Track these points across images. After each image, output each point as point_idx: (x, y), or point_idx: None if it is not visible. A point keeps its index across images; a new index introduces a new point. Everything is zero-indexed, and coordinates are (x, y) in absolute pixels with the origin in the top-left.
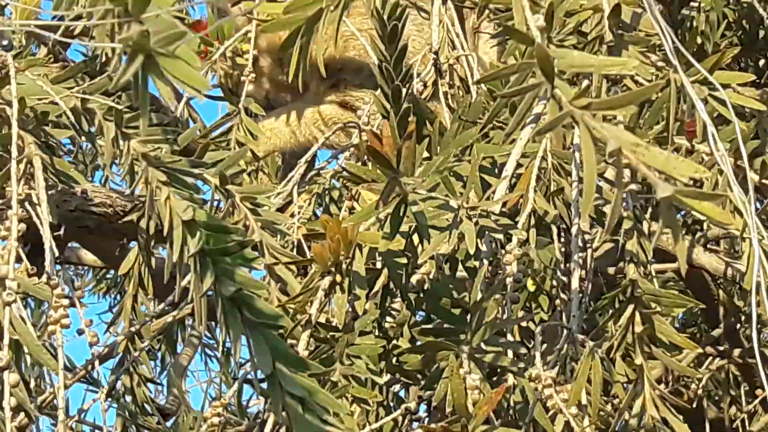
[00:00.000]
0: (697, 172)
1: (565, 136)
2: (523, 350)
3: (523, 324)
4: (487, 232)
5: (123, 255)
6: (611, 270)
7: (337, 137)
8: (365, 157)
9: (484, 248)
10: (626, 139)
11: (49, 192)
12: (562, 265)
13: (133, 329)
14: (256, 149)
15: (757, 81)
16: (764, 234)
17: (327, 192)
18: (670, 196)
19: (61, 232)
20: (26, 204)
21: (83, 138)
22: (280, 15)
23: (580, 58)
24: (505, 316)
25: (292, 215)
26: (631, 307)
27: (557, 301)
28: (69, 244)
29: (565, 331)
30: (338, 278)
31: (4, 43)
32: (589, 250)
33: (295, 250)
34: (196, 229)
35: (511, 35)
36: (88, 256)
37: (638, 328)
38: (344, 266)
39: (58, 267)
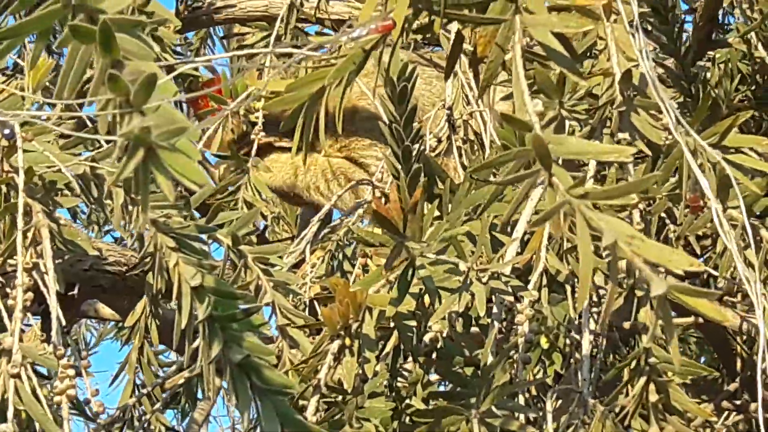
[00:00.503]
0: (693, 266)
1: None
2: (533, 414)
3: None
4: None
5: (132, 307)
6: (626, 324)
7: (342, 200)
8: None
9: (495, 309)
10: (622, 231)
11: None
12: (576, 322)
13: (145, 390)
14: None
15: None
16: None
17: (341, 249)
18: (664, 292)
19: (75, 291)
20: (34, 273)
21: (92, 204)
22: (283, 92)
23: (578, 145)
24: (516, 377)
25: (305, 275)
26: (644, 378)
27: (572, 360)
28: None
29: (576, 395)
30: (347, 341)
31: (6, 132)
32: (603, 305)
33: (307, 309)
34: (205, 295)
35: (508, 122)
36: (106, 310)
37: (652, 397)
38: (354, 329)
39: (70, 322)
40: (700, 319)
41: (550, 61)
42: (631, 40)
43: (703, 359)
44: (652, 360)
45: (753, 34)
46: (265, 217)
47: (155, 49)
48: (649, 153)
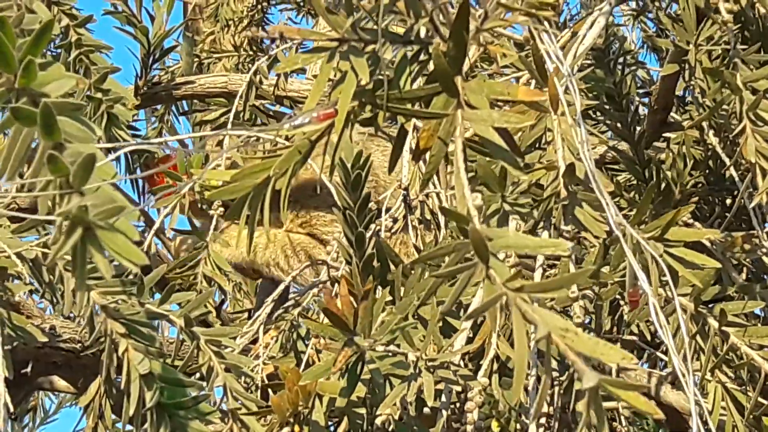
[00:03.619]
0: (625, 359)
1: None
2: None
3: None
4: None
5: (88, 385)
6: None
7: (301, 276)
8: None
9: (443, 398)
10: (555, 324)
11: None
12: (527, 406)
13: None
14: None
15: (722, 220)
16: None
17: (294, 329)
18: (595, 385)
19: (29, 369)
20: None
21: (44, 289)
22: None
23: (516, 239)
24: None
25: (257, 356)
26: None
27: None
28: None
29: None
30: (296, 429)
31: None
32: (556, 388)
33: (260, 390)
34: (153, 382)
35: (446, 215)
36: (61, 383)
37: None
38: (303, 416)
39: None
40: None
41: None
42: (571, 132)
43: None
44: None
45: (705, 121)
46: (224, 292)
47: (97, 132)
48: (596, 244)
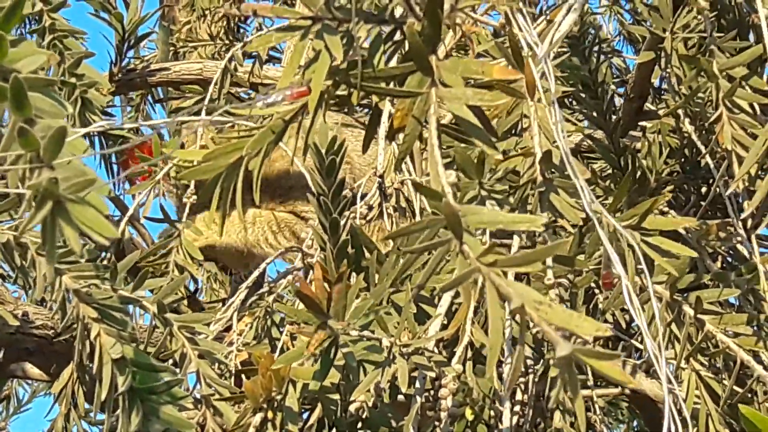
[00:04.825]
0: (599, 330)
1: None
2: None
3: None
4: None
5: (61, 371)
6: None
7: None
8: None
9: (417, 384)
10: (529, 296)
11: None
12: (501, 393)
13: None
14: (198, 240)
15: (698, 208)
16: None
17: (269, 315)
18: (569, 354)
19: (0, 355)
20: None
21: (17, 274)
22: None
23: (490, 215)
24: None
25: (231, 343)
26: None
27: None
28: None
29: None
30: (270, 414)
31: None
32: (531, 376)
33: (233, 377)
34: (125, 366)
35: (419, 191)
36: (34, 370)
37: None
38: (277, 402)
39: None
40: (627, 390)
41: (465, 135)
42: (548, 118)
43: (635, 423)
44: None
45: (680, 109)
46: (196, 280)
47: (68, 109)
48: (572, 232)
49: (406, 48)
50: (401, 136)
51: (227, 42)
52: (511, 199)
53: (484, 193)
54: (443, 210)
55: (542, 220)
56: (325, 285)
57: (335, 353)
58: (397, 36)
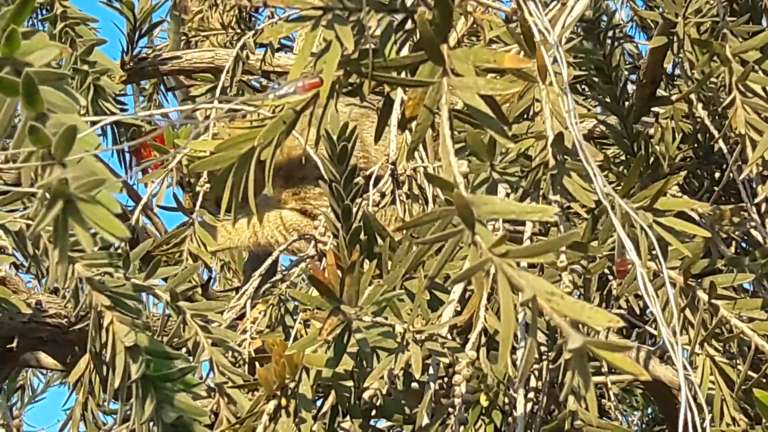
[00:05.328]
0: (611, 322)
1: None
2: None
3: None
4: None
5: (76, 361)
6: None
7: (299, 243)
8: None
9: (431, 371)
10: (541, 288)
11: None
12: (515, 380)
13: None
14: (216, 244)
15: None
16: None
17: (282, 303)
18: (580, 346)
19: (14, 344)
20: None
21: (30, 263)
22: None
23: (502, 205)
24: None
25: (245, 331)
26: None
27: (510, 418)
28: None
29: None
30: (284, 401)
31: None
32: (545, 362)
33: (247, 365)
34: (139, 354)
35: (431, 181)
36: (48, 360)
37: None
38: (290, 389)
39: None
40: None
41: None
42: (560, 103)
43: (650, 410)
44: (577, 423)
45: (693, 94)
46: (210, 269)
47: (81, 102)
48: (584, 215)
49: (417, 37)
50: (413, 125)
51: (239, 31)
52: (524, 182)
53: (496, 175)
54: (455, 201)
55: (554, 209)
56: (338, 271)
57: (348, 339)
58: (408, 25)
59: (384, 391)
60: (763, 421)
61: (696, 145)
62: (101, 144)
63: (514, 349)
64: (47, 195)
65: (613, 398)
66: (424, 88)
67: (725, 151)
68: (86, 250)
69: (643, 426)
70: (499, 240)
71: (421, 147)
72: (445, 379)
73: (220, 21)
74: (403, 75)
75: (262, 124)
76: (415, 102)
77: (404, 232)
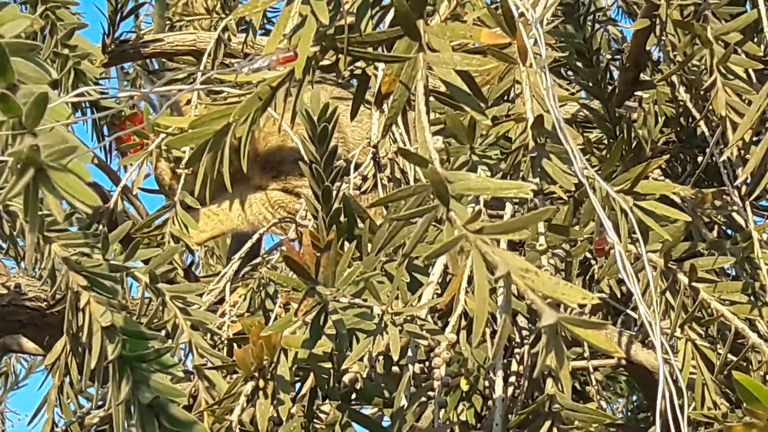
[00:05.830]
0: (586, 298)
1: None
2: None
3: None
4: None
5: (53, 343)
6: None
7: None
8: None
9: (409, 353)
10: (516, 264)
11: None
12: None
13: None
14: (205, 232)
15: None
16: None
17: (262, 287)
18: (554, 323)
19: None
20: None
21: (8, 245)
22: (187, 128)
23: (477, 181)
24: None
25: (224, 314)
26: (548, 424)
27: (490, 402)
28: None
29: None
30: (261, 383)
31: None
32: (526, 347)
33: (226, 348)
34: (115, 335)
35: (405, 157)
36: (29, 344)
37: None
38: (268, 370)
39: None
40: (623, 361)
41: (454, 100)
42: (539, 83)
43: (635, 397)
44: (555, 407)
45: (675, 76)
46: (192, 252)
47: (52, 74)
48: (564, 197)
49: (393, 12)
50: (389, 101)
51: (223, 16)
52: (503, 165)
53: (475, 158)
54: (429, 177)
55: (531, 186)
56: (315, 252)
57: (325, 320)
58: (385, 1)
59: (364, 375)
60: (744, 404)
61: (679, 128)
62: (70, 112)
63: (494, 333)
64: (18, 163)
65: (595, 383)
66: (401, 64)
67: (707, 133)
68: (57, 219)
69: (628, 413)
70: (473, 216)
71: (403, 130)
72: (426, 364)
73: (204, 6)
74: (379, 51)
75: (238, 100)
76: (391, 78)
77: (385, 213)
